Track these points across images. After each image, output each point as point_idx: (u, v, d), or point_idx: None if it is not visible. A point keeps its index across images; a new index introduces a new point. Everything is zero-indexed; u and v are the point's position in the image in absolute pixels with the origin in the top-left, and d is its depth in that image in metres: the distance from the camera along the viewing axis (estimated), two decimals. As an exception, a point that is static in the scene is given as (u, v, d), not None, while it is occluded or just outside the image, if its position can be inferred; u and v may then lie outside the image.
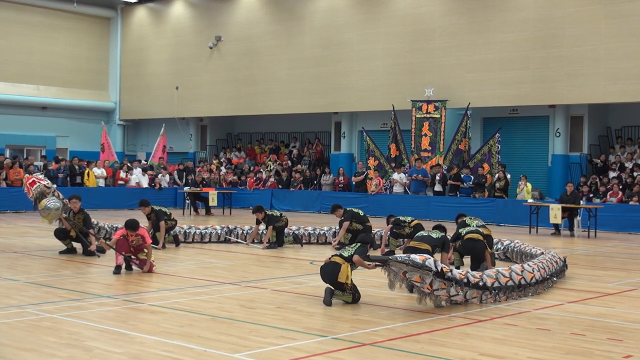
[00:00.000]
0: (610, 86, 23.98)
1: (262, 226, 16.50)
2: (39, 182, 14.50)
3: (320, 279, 9.91)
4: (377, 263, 9.76)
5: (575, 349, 7.55)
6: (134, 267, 12.24)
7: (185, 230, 16.93)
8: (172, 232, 16.21)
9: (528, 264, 11.02)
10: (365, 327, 8.34)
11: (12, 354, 6.91)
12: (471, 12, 26.78)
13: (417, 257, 9.16)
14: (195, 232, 17.05)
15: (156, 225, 15.53)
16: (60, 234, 14.53)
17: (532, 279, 10.51)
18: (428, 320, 8.82)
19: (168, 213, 16.03)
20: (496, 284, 9.92)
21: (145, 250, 12.17)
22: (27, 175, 15.80)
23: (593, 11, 24.25)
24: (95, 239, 14.22)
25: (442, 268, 9.22)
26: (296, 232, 17.07)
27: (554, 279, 11.43)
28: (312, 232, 17.39)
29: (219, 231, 17.24)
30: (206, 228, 17.34)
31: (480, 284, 9.72)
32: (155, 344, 7.38)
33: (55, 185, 15.14)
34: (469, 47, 26.67)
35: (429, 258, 9.24)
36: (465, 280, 9.50)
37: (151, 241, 12.56)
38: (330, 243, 16.79)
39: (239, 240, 17.03)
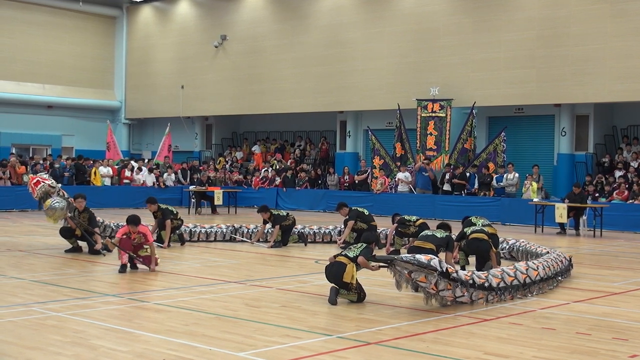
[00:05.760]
0: (616, 85, 23.93)
1: (269, 225, 16.51)
2: (43, 182, 14.52)
3: (324, 278, 9.90)
4: (381, 264, 9.75)
5: (580, 348, 7.54)
6: (139, 265, 12.25)
7: (190, 229, 16.93)
8: (177, 231, 16.21)
9: (533, 262, 11.01)
10: (370, 326, 8.33)
11: (18, 352, 6.93)
12: (476, 11, 26.75)
13: (422, 257, 9.14)
14: (200, 231, 17.05)
15: (162, 223, 15.53)
16: (66, 233, 14.55)
17: (537, 276, 10.50)
18: (433, 319, 8.81)
19: (175, 212, 16.02)
20: (502, 284, 9.90)
21: (146, 246, 12.16)
22: (31, 175, 15.81)
23: (598, 10, 24.19)
24: (101, 238, 14.24)
25: (447, 268, 9.20)
26: (301, 230, 17.08)
27: (559, 278, 11.41)
28: (317, 231, 17.40)
29: (225, 230, 17.25)
30: (212, 227, 17.33)
31: (486, 284, 9.70)
32: (161, 342, 7.39)
33: (59, 185, 15.15)
34: (474, 46, 26.64)
35: (434, 258, 9.22)
36: (470, 281, 9.49)
37: (153, 240, 12.56)
38: (335, 242, 16.81)
39: (244, 239, 17.04)
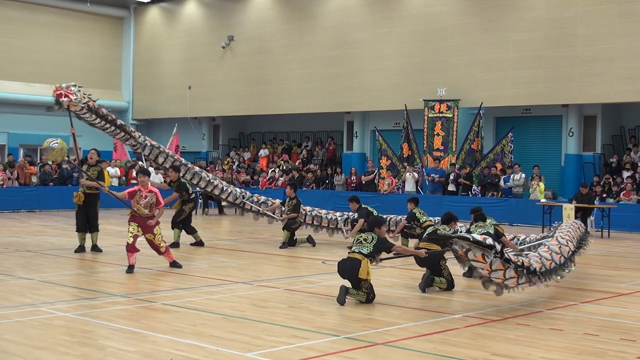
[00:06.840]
0: (623, 85, 23.87)
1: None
2: (64, 97, 14.61)
3: (331, 278, 9.91)
4: (398, 252, 10.00)
5: (588, 349, 7.53)
6: (145, 266, 12.26)
7: (210, 179, 17.30)
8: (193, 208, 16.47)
9: (559, 238, 11.03)
10: (377, 327, 8.34)
11: (26, 352, 6.95)
12: (484, 12, 26.71)
13: (477, 236, 9.22)
14: (217, 185, 17.38)
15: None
16: (81, 225, 14.57)
17: (568, 252, 10.68)
18: (441, 320, 8.81)
19: (189, 191, 16.20)
20: (543, 269, 9.90)
21: (156, 232, 12.29)
22: (56, 86, 15.37)
23: (606, 10, 24.13)
24: (103, 187, 14.16)
25: (501, 249, 9.23)
26: (308, 213, 17.33)
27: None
28: (325, 216, 17.46)
29: (238, 194, 17.58)
30: (228, 186, 17.73)
31: (543, 269, 9.71)
32: (168, 342, 7.41)
33: (87, 99, 15.12)
34: (482, 46, 26.60)
35: (488, 237, 9.26)
36: (521, 264, 9.45)
37: (164, 203, 12.72)
38: (340, 228, 17.23)
39: (254, 207, 17.41)
